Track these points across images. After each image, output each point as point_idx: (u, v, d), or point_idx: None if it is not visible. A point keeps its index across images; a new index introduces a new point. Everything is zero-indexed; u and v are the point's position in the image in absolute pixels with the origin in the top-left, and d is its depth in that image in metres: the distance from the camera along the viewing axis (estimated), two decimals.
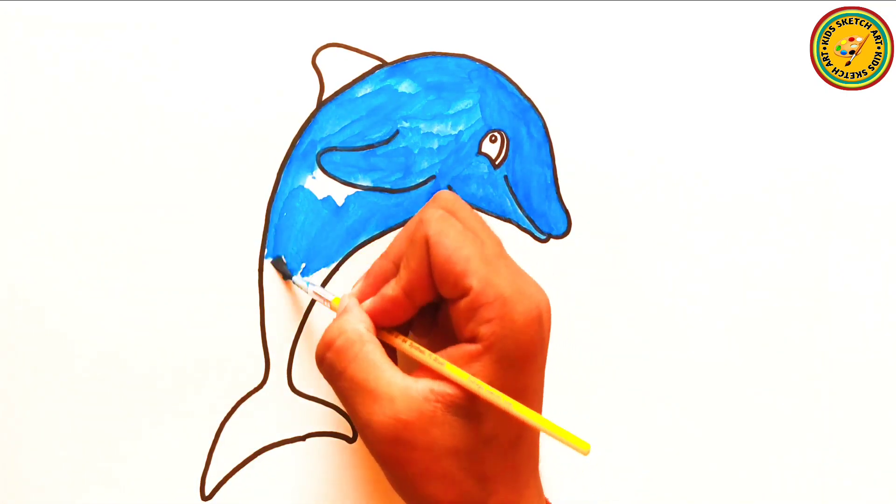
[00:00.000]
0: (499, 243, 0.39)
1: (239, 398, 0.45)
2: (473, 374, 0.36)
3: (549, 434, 0.35)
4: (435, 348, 0.38)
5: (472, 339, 0.37)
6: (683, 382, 0.47)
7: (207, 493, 0.45)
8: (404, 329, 0.41)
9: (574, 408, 0.46)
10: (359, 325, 0.38)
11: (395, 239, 0.41)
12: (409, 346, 0.38)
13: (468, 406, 0.36)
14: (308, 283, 0.43)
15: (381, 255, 0.41)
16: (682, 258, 0.47)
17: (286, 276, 0.45)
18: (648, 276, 0.46)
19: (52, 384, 0.45)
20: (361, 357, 0.37)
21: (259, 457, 0.45)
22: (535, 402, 0.39)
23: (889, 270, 0.47)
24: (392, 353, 0.40)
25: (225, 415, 0.45)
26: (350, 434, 0.46)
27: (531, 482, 0.39)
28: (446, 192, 0.40)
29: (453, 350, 0.37)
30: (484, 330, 0.36)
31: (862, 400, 0.47)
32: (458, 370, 0.36)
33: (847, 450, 0.47)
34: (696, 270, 0.47)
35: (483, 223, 0.40)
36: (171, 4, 0.45)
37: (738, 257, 0.47)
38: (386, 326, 0.40)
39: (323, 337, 0.38)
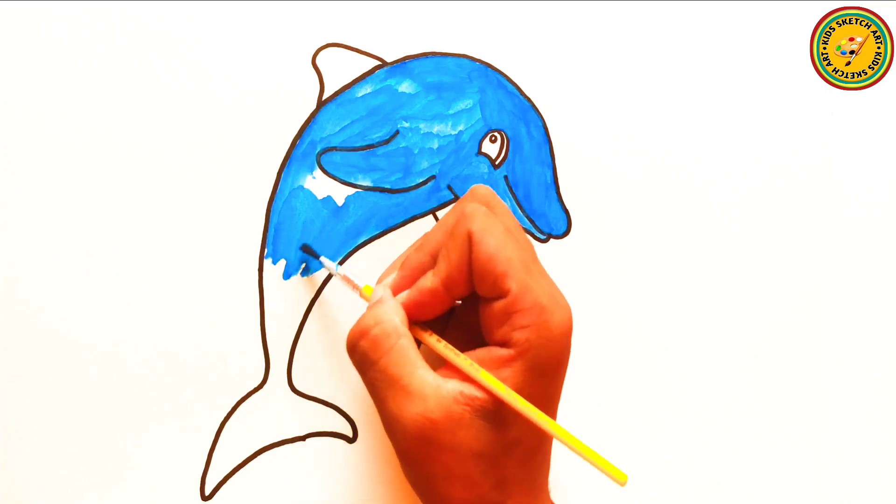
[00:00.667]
0: (532, 248, 0.39)
1: (239, 398, 0.45)
2: (503, 379, 0.36)
3: (588, 461, 0.35)
4: (453, 342, 0.38)
5: (504, 343, 0.36)
6: (684, 382, 0.47)
7: (207, 493, 0.45)
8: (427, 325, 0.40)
9: (574, 407, 0.46)
10: (395, 317, 0.38)
11: (432, 232, 0.40)
12: (443, 347, 0.38)
13: (496, 412, 0.36)
14: (337, 267, 0.43)
15: (416, 248, 0.40)
16: (683, 258, 0.47)
17: (315, 256, 0.44)
18: (648, 276, 0.46)
19: (52, 384, 0.45)
20: (396, 350, 0.37)
21: (259, 457, 0.45)
22: (555, 412, 0.39)
23: (889, 269, 0.47)
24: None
25: (225, 415, 0.45)
26: (350, 434, 0.46)
27: (544, 487, 0.39)
28: (484, 186, 0.40)
29: (483, 352, 0.37)
30: (518, 335, 0.36)
31: (871, 400, 0.47)
32: (494, 380, 0.36)
33: (856, 452, 0.47)
34: (697, 270, 0.47)
35: (518, 225, 0.39)
36: (170, 4, 0.45)
37: (738, 257, 0.47)
38: (420, 320, 0.39)
39: (357, 324, 0.38)
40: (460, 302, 0.40)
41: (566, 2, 0.46)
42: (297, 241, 0.45)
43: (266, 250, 0.45)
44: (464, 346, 0.38)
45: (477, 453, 0.36)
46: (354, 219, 0.45)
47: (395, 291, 0.39)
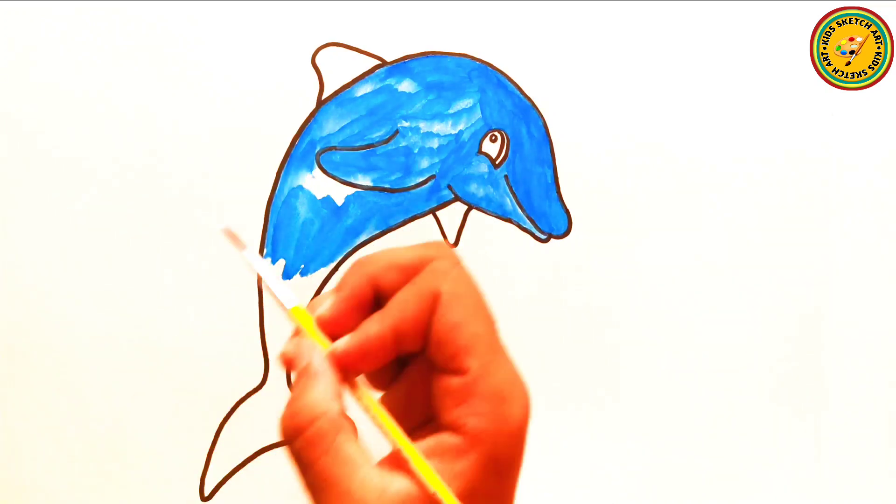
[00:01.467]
0: (496, 323, 0.34)
1: (238, 398, 0.45)
2: (457, 474, 0.31)
3: None
4: (392, 407, 0.33)
5: (455, 428, 0.32)
6: (684, 382, 0.47)
7: (207, 493, 0.45)
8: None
9: (574, 407, 0.46)
10: (332, 404, 0.32)
11: (379, 256, 0.36)
12: (373, 416, 0.32)
13: None
14: (265, 277, 0.34)
15: (354, 271, 0.33)
16: (683, 257, 0.47)
17: (240, 246, 0.35)
18: (649, 276, 0.46)
19: (53, 385, 0.45)
20: (334, 450, 0.32)
21: (259, 457, 0.45)
22: None
23: (890, 269, 0.47)
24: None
25: (224, 415, 0.45)
26: None
27: None
28: (447, 247, 0.35)
29: (432, 441, 0.32)
30: (473, 423, 0.31)
31: (871, 400, 0.47)
32: (428, 471, 0.31)
33: (856, 452, 0.47)
34: (697, 269, 0.47)
35: (485, 301, 0.34)
36: (171, 4, 0.45)
37: (738, 256, 0.47)
38: (359, 371, 0.34)
39: (290, 415, 0.32)
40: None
41: (566, 2, 0.46)
42: (297, 240, 0.45)
43: (265, 250, 0.45)
44: (408, 408, 0.34)
45: None
46: (354, 218, 0.45)
47: (332, 324, 0.33)
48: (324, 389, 0.32)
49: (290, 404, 0.32)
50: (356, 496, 0.32)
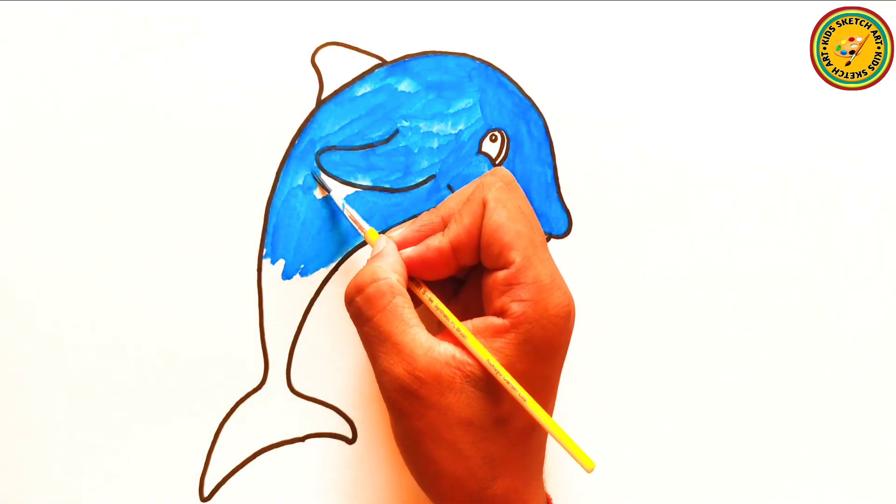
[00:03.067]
0: (543, 234, 0.40)
1: (238, 399, 0.45)
2: (495, 349, 0.36)
3: (558, 441, 0.35)
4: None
5: (500, 313, 0.37)
6: (686, 382, 0.47)
7: (206, 493, 0.45)
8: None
9: (574, 408, 0.46)
10: (392, 274, 0.38)
11: (448, 199, 0.41)
12: (435, 307, 0.38)
13: (486, 381, 0.36)
14: (344, 205, 0.43)
15: (430, 211, 0.41)
16: (683, 258, 0.47)
17: (326, 190, 0.44)
18: (649, 276, 0.46)
19: (51, 385, 0.45)
20: (390, 309, 0.37)
21: (258, 458, 0.45)
22: (549, 398, 0.39)
23: (889, 270, 0.47)
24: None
25: (224, 415, 0.45)
26: (349, 435, 0.46)
27: (537, 474, 0.39)
28: (505, 169, 0.40)
29: (479, 321, 0.37)
30: (516, 308, 0.36)
31: (870, 400, 0.47)
32: (480, 346, 0.36)
33: (856, 453, 0.47)
34: (697, 270, 0.47)
35: (532, 211, 0.40)
36: (170, 4, 0.45)
37: (738, 257, 0.47)
38: (421, 278, 0.39)
39: (355, 279, 0.38)
40: (465, 281, 0.41)
41: (566, 1, 0.46)
42: (297, 240, 0.45)
43: (265, 250, 0.45)
44: (464, 318, 0.38)
45: (466, 421, 0.36)
46: None
47: (400, 246, 0.40)
48: (387, 264, 0.37)
49: (356, 275, 0.37)
50: (406, 349, 0.36)
